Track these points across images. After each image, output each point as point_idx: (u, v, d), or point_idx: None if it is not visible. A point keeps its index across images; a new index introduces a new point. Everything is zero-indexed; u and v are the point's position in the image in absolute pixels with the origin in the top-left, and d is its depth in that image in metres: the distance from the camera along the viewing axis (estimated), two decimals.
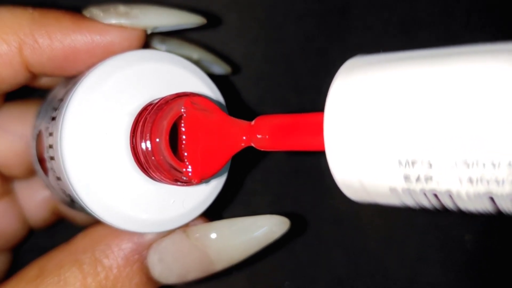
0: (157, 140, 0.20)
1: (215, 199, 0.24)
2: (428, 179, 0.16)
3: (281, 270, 0.32)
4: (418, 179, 0.16)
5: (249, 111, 0.32)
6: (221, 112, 0.21)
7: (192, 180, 0.20)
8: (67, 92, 0.22)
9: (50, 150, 0.22)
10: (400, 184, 0.16)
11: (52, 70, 0.24)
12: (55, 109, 0.23)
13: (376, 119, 0.16)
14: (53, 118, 0.22)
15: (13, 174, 0.29)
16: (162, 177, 0.21)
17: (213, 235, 0.23)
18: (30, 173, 0.28)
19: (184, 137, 0.20)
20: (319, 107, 0.32)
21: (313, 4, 0.32)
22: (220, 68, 0.28)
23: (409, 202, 0.17)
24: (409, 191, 0.16)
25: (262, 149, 0.21)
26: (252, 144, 0.21)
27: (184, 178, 0.20)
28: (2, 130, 0.27)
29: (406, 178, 0.16)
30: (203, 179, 0.21)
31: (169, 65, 0.22)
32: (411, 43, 0.32)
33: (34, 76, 0.24)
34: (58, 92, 0.24)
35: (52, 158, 0.22)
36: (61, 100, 0.22)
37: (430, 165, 0.16)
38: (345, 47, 0.32)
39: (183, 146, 0.20)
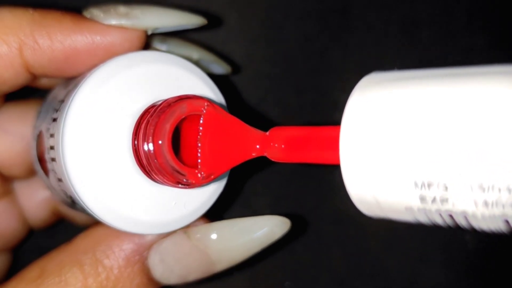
0: (160, 142, 0.20)
1: (216, 200, 0.24)
2: (444, 200, 0.16)
3: (281, 270, 0.32)
4: (434, 200, 0.16)
5: (249, 111, 0.32)
6: (236, 119, 0.21)
7: (194, 182, 0.20)
8: (68, 94, 0.22)
9: (51, 151, 0.22)
10: (416, 204, 0.16)
11: (53, 71, 0.24)
12: (56, 110, 0.23)
13: (393, 138, 0.16)
14: (54, 119, 0.22)
15: (13, 174, 0.29)
16: (164, 180, 0.21)
17: (214, 236, 0.23)
18: (30, 173, 0.28)
19: (200, 132, 0.20)
20: (319, 107, 0.32)
21: (313, 4, 0.32)
22: (221, 68, 0.28)
23: (424, 220, 0.17)
24: (424, 211, 0.16)
25: (275, 160, 0.21)
26: (266, 155, 0.21)
27: (186, 180, 0.20)
28: (2, 130, 0.27)
29: (422, 199, 0.16)
30: (208, 178, 0.21)
31: (171, 67, 0.22)
32: (411, 43, 0.32)
33: (34, 77, 0.24)
34: (58, 92, 0.24)
35: (53, 159, 0.22)
36: (62, 101, 0.22)
37: (446, 188, 0.16)
38: (345, 47, 0.32)
39: (198, 141, 0.20)
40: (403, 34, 0.32)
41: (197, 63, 0.26)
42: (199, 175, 0.20)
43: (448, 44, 0.32)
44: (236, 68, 0.30)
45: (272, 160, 0.21)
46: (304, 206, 0.32)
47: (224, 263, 0.23)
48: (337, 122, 0.32)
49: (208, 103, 0.20)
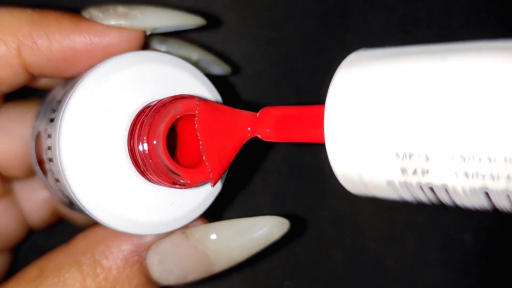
0: (154, 142, 0.20)
1: (214, 200, 0.24)
2: (424, 172, 0.16)
3: (281, 270, 0.32)
4: (415, 172, 0.16)
5: (249, 111, 0.32)
6: (224, 106, 0.21)
7: (189, 182, 0.20)
8: (65, 94, 0.22)
9: (49, 151, 0.22)
10: (397, 177, 0.17)
11: (51, 71, 0.24)
12: (54, 110, 0.23)
13: (375, 112, 0.17)
14: (52, 120, 0.22)
15: (13, 175, 0.29)
16: (160, 180, 0.21)
17: (213, 236, 0.23)
18: (29, 174, 0.28)
19: (200, 139, 0.20)
20: None
21: (313, 4, 0.32)
22: (220, 68, 0.28)
23: (406, 195, 0.17)
24: (406, 184, 0.17)
25: (266, 140, 0.21)
26: (257, 135, 0.21)
27: (182, 181, 0.20)
28: (2, 130, 0.27)
29: (403, 171, 0.16)
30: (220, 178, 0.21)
31: (168, 67, 0.22)
32: (411, 43, 0.32)
33: (33, 77, 0.24)
34: (57, 93, 0.24)
35: (50, 160, 0.22)
36: (60, 102, 0.22)
37: (427, 158, 0.16)
38: (345, 47, 0.32)
39: (200, 148, 0.20)
40: (403, 34, 0.32)
41: (196, 63, 0.26)
42: (211, 178, 0.20)
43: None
44: (235, 68, 0.30)
45: (264, 140, 0.21)
46: (303, 206, 0.32)
47: (223, 263, 0.23)
48: None
49: (199, 101, 0.20)
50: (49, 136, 0.22)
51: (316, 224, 0.32)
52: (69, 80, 0.24)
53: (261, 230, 0.23)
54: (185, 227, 0.23)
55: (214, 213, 0.24)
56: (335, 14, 0.32)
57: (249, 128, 0.21)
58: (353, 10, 0.32)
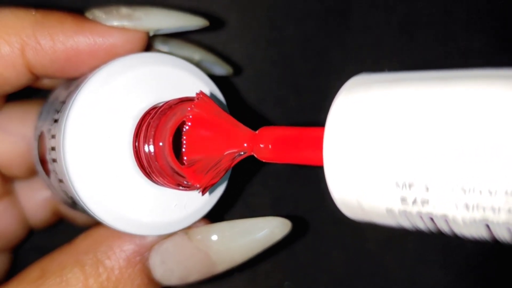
0: (161, 144, 0.20)
1: (217, 202, 0.24)
2: (424, 202, 0.16)
3: (281, 270, 0.33)
4: (414, 201, 0.16)
5: (249, 112, 0.32)
6: (227, 115, 0.21)
7: (197, 185, 0.20)
8: (70, 95, 0.22)
9: (53, 152, 0.22)
10: (397, 206, 0.16)
11: (54, 71, 0.24)
12: (57, 111, 0.23)
13: (375, 139, 0.16)
14: (56, 120, 0.22)
15: (14, 174, 0.29)
16: (165, 182, 0.21)
17: (215, 237, 0.23)
18: (31, 174, 0.28)
19: (184, 139, 0.20)
20: (319, 108, 0.32)
21: (313, 5, 0.32)
22: (222, 69, 0.28)
23: (405, 223, 0.17)
24: (405, 213, 0.16)
25: (263, 160, 0.21)
26: (254, 154, 0.21)
27: (186, 182, 0.20)
28: (4, 130, 0.27)
29: (403, 200, 0.16)
30: (206, 186, 0.20)
31: (172, 68, 0.22)
32: (411, 43, 0.32)
33: (36, 77, 0.24)
34: (60, 93, 0.24)
35: (54, 160, 0.22)
36: (64, 103, 0.22)
37: (427, 189, 0.16)
38: (345, 47, 0.32)
39: (183, 149, 0.20)
40: (403, 34, 0.32)
41: (198, 64, 0.26)
42: (187, 168, 0.20)
43: (448, 45, 0.32)
44: (237, 69, 0.30)
45: (260, 160, 0.21)
46: (304, 207, 0.32)
47: (225, 264, 0.23)
48: None
49: (199, 96, 0.20)
50: (53, 136, 0.22)
51: (317, 225, 0.32)
52: (72, 81, 0.24)
53: (262, 231, 0.23)
54: (187, 228, 0.23)
55: (216, 214, 0.24)
56: (335, 15, 0.32)
57: (245, 145, 0.21)
58: (353, 10, 0.32)
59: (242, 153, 0.21)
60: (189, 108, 0.20)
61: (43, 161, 0.24)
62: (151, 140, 0.20)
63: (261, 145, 0.21)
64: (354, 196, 0.17)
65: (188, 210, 0.23)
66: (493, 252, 0.32)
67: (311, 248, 0.32)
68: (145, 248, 0.23)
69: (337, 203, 0.18)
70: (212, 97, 0.23)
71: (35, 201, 0.30)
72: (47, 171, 0.24)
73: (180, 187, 0.21)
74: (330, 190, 0.18)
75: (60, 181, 0.22)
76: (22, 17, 0.23)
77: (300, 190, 0.32)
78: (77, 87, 0.22)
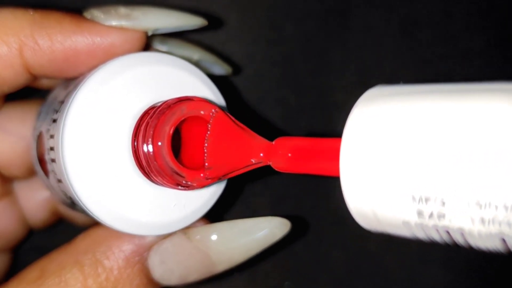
0: (160, 144, 0.20)
1: (216, 201, 0.24)
2: (441, 216, 0.16)
3: (281, 270, 0.32)
4: (431, 215, 0.16)
5: (249, 111, 0.32)
6: (242, 126, 0.21)
7: (194, 184, 0.20)
8: (68, 94, 0.22)
9: (51, 152, 0.22)
10: (413, 219, 0.16)
11: (53, 71, 0.24)
12: (56, 111, 0.23)
13: (392, 152, 0.16)
14: (54, 120, 0.22)
15: (13, 175, 0.29)
16: (164, 181, 0.20)
17: (214, 237, 0.23)
18: (30, 174, 0.28)
19: (207, 137, 0.20)
20: (319, 107, 0.32)
21: (313, 5, 0.32)
22: (221, 68, 0.28)
23: (421, 235, 0.17)
24: (421, 226, 0.16)
25: (279, 170, 0.21)
26: (270, 163, 0.21)
27: (185, 182, 0.20)
28: (3, 130, 0.27)
29: (419, 213, 0.16)
30: (211, 180, 0.21)
31: (171, 68, 0.22)
32: (411, 44, 0.32)
33: (34, 77, 0.24)
34: (58, 93, 0.24)
35: (53, 160, 0.22)
36: (62, 102, 0.22)
37: (443, 203, 0.16)
38: (345, 47, 0.32)
39: (205, 144, 0.20)
40: (403, 34, 0.32)
41: (197, 64, 0.26)
42: (204, 177, 0.20)
43: (448, 45, 0.32)
44: (236, 68, 0.30)
45: (276, 170, 0.21)
46: (304, 206, 0.32)
47: (224, 264, 0.23)
48: (336, 122, 0.32)
49: (217, 108, 0.20)
50: (52, 136, 0.22)
51: (317, 225, 0.32)
52: (71, 81, 0.24)
53: (262, 231, 0.23)
54: (187, 227, 0.23)
55: (215, 213, 0.24)
56: (335, 15, 0.32)
57: (261, 154, 0.21)
58: (353, 10, 0.32)
59: (257, 162, 0.21)
60: (209, 126, 0.20)
61: (42, 161, 0.24)
62: (149, 139, 0.20)
63: (278, 156, 0.21)
64: (370, 208, 0.17)
65: (187, 209, 0.23)
66: (494, 252, 0.32)
67: (311, 248, 0.32)
68: (144, 248, 0.23)
69: (353, 213, 0.18)
70: (211, 96, 0.23)
71: (34, 201, 0.30)
72: (46, 171, 0.24)
73: (179, 187, 0.21)
74: (346, 201, 0.18)
75: (59, 181, 0.22)
76: (20, 17, 0.23)
77: (300, 190, 0.32)
78: (75, 87, 0.22)
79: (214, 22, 0.30)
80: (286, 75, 0.32)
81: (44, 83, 0.27)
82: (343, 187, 0.18)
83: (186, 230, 0.23)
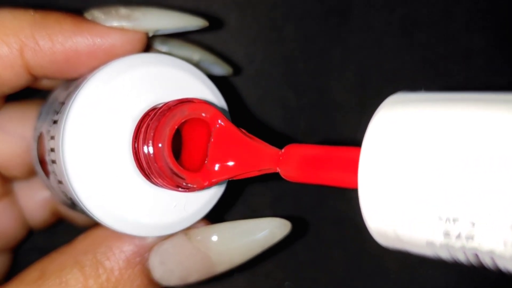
0: (160, 145, 0.20)
1: (217, 202, 0.24)
2: (469, 238, 0.15)
3: (281, 270, 0.33)
4: (458, 236, 0.15)
5: (249, 111, 0.32)
6: (250, 135, 0.21)
7: (194, 186, 0.20)
8: (69, 95, 0.22)
9: (52, 153, 0.22)
10: (439, 239, 0.15)
11: (53, 72, 0.24)
12: (57, 112, 0.23)
13: (419, 167, 0.15)
14: (55, 122, 0.22)
15: (13, 175, 0.28)
16: (164, 183, 0.20)
17: (215, 238, 0.23)
18: (30, 174, 0.28)
19: (210, 146, 0.20)
20: (319, 107, 0.32)
21: (314, 5, 0.32)
22: (222, 69, 0.28)
23: (445, 256, 0.16)
24: (447, 247, 0.15)
25: (288, 179, 0.21)
26: (279, 172, 0.21)
27: (185, 184, 0.20)
28: (3, 131, 0.27)
29: (446, 234, 0.15)
30: (212, 183, 0.21)
31: (172, 69, 0.22)
32: (411, 44, 0.32)
33: (35, 78, 0.24)
34: (59, 94, 0.24)
35: (53, 161, 0.22)
36: (63, 103, 0.22)
37: (473, 224, 0.15)
38: (345, 47, 0.32)
39: (207, 152, 0.20)
40: (403, 34, 0.32)
41: (197, 64, 0.26)
42: (205, 184, 0.20)
43: (448, 45, 0.32)
44: (236, 68, 0.30)
45: (286, 179, 0.21)
46: (304, 207, 0.32)
47: (225, 264, 0.23)
48: (337, 123, 0.32)
49: (223, 119, 0.20)
50: (52, 138, 0.22)
51: (317, 225, 0.32)
52: (71, 82, 0.24)
53: (262, 232, 0.23)
54: (187, 228, 0.23)
55: (216, 214, 0.24)
56: (336, 15, 0.32)
57: (270, 164, 0.21)
58: (353, 11, 0.32)
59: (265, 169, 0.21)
60: (219, 121, 0.20)
61: (42, 162, 0.24)
62: (150, 141, 0.20)
63: (287, 165, 0.20)
64: (392, 227, 0.16)
65: (187, 211, 0.23)
66: None
67: (311, 248, 0.32)
68: (144, 249, 0.23)
69: (371, 231, 0.17)
70: (212, 97, 0.23)
71: (34, 201, 0.30)
72: (46, 172, 0.24)
73: (180, 188, 0.21)
74: (364, 218, 0.17)
75: (60, 182, 0.22)
76: (20, 18, 0.23)
77: (300, 190, 0.32)
78: (76, 88, 0.22)
79: (214, 23, 0.30)
80: (286, 75, 0.32)
81: (45, 84, 0.27)
82: (362, 203, 0.16)
83: (186, 231, 0.23)
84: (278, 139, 0.32)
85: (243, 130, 0.21)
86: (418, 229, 0.15)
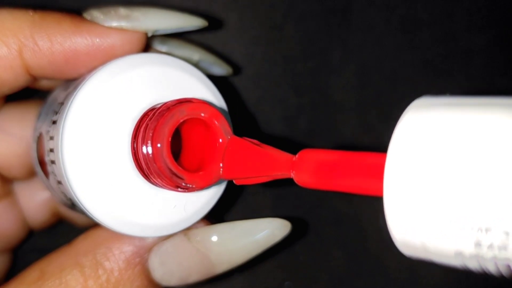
0: (159, 145, 0.20)
1: (216, 202, 0.24)
2: (502, 248, 0.14)
3: (281, 270, 0.33)
4: (490, 246, 0.14)
5: (249, 111, 0.32)
6: (261, 143, 0.21)
7: (193, 186, 0.20)
8: (68, 96, 0.22)
9: (51, 154, 0.22)
10: (469, 250, 0.15)
11: (53, 73, 0.24)
12: (56, 112, 0.23)
13: (450, 176, 0.14)
14: (54, 122, 0.22)
15: (13, 176, 0.28)
16: (163, 183, 0.20)
17: (214, 238, 0.23)
18: (30, 175, 0.28)
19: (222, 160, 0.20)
20: (319, 107, 0.32)
21: (314, 4, 0.32)
22: (221, 69, 0.28)
23: (473, 266, 0.15)
24: (477, 257, 0.15)
25: (303, 186, 0.20)
26: (293, 178, 0.20)
27: (185, 184, 0.20)
28: (2, 131, 0.27)
29: (477, 244, 0.14)
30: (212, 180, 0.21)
31: (171, 69, 0.22)
32: (411, 43, 0.32)
33: (34, 78, 0.24)
34: (58, 94, 0.24)
35: (53, 162, 0.22)
36: (62, 104, 0.22)
37: (507, 234, 0.14)
38: (345, 47, 0.32)
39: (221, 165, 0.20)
40: (403, 34, 0.32)
41: (197, 64, 0.26)
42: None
43: (448, 44, 0.32)
44: (236, 68, 0.30)
45: (300, 185, 0.20)
46: (304, 207, 0.32)
47: (225, 265, 0.23)
48: (337, 123, 0.32)
49: (232, 138, 0.21)
50: (51, 138, 0.22)
51: (317, 225, 0.32)
52: (71, 82, 0.24)
53: (262, 232, 0.23)
54: (187, 229, 0.23)
55: (216, 214, 0.24)
56: (336, 14, 0.32)
57: (283, 171, 0.20)
58: (353, 10, 0.32)
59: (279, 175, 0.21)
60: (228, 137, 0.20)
61: (42, 163, 0.24)
62: (149, 141, 0.20)
63: (302, 171, 0.19)
64: (419, 237, 0.15)
65: (187, 211, 0.23)
66: None
67: (311, 248, 0.32)
68: (144, 249, 0.23)
69: (396, 241, 0.16)
70: (211, 97, 0.23)
71: (34, 202, 0.30)
72: (46, 173, 0.24)
73: (179, 189, 0.21)
74: (389, 227, 0.16)
75: (59, 182, 0.22)
76: (19, 18, 0.23)
77: (300, 190, 0.32)
78: (75, 88, 0.22)
79: (214, 22, 0.30)
80: (286, 75, 0.32)
81: (44, 84, 0.27)
82: (388, 212, 0.16)
83: (186, 231, 0.23)
84: (278, 139, 0.32)
85: (253, 140, 0.21)
86: (448, 240, 0.15)
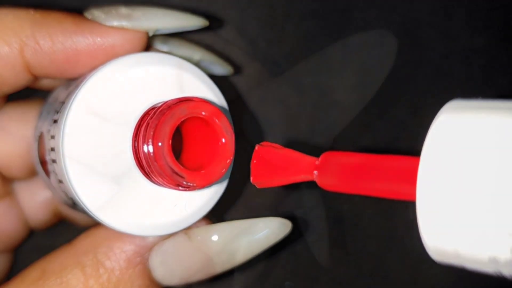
0: (160, 144, 0.20)
1: (217, 201, 0.24)
2: None
3: (281, 270, 0.32)
4: None
5: (249, 111, 0.32)
6: (282, 150, 0.21)
7: (194, 185, 0.20)
8: (69, 95, 0.22)
9: (52, 153, 0.22)
10: (504, 256, 0.14)
11: (54, 72, 0.24)
12: (57, 111, 0.23)
13: (486, 181, 0.14)
14: (55, 121, 0.22)
15: (14, 175, 0.28)
16: (164, 182, 0.20)
17: (215, 237, 0.23)
18: (30, 174, 0.28)
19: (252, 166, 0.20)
20: (320, 107, 0.32)
21: (314, 4, 0.32)
22: (222, 68, 0.28)
23: (508, 273, 0.15)
24: None
25: (326, 189, 0.19)
26: (315, 179, 0.20)
27: (185, 183, 0.20)
28: (3, 131, 0.27)
29: None
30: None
31: (172, 68, 0.22)
32: (411, 43, 0.32)
33: (35, 78, 0.24)
34: (59, 94, 0.24)
35: (54, 161, 0.22)
36: (63, 103, 0.22)
37: None
38: (346, 47, 0.32)
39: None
40: (403, 34, 0.32)
41: (198, 64, 0.26)
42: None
43: (448, 44, 0.32)
44: (236, 68, 0.30)
45: (323, 188, 0.20)
46: (304, 207, 0.32)
47: (225, 264, 0.23)
48: (338, 123, 0.32)
49: (259, 148, 0.21)
50: (53, 137, 0.22)
51: (317, 225, 0.32)
52: (72, 81, 0.24)
53: (263, 232, 0.23)
54: (188, 228, 0.23)
55: (216, 214, 0.24)
56: (336, 14, 0.32)
57: (306, 174, 0.20)
58: (353, 10, 0.32)
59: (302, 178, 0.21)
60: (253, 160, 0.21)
61: (43, 162, 0.24)
62: (150, 140, 0.20)
63: (325, 174, 0.19)
64: (453, 244, 0.15)
65: (188, 210, 0.23)
66: None
67: (312, 247, 0.32)
68: (145, 248, 0.23)
69: (428, 247, 0.16)
70: (212, 97, 0.23)
71: (35, 201, 0.30)
72: (47, 172, 0.24)
73: (180, 188, 0.21)
74: (421, 233, 0.16)
75: (60, 181, 0.22)
76: (21, 17, 0.23)
77: (300, 190, 0.32)
78: (76, 87, 0.22)
79: (214, 22, 0.30)
80: (286, 74, 0.32)
81: (45, 83, 0.27)
82: (420, 217, 0.15)
83: (187, 230, 0.23)
84: (278, 139, 0.32)
85: (275, 145, 0.21)
86: (482, 246, 0.14)
